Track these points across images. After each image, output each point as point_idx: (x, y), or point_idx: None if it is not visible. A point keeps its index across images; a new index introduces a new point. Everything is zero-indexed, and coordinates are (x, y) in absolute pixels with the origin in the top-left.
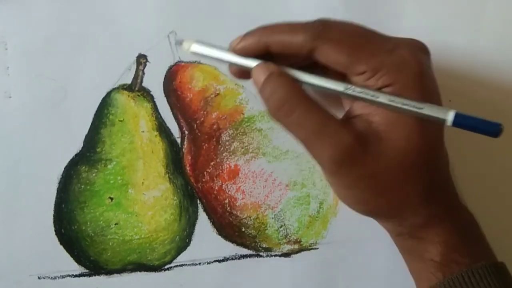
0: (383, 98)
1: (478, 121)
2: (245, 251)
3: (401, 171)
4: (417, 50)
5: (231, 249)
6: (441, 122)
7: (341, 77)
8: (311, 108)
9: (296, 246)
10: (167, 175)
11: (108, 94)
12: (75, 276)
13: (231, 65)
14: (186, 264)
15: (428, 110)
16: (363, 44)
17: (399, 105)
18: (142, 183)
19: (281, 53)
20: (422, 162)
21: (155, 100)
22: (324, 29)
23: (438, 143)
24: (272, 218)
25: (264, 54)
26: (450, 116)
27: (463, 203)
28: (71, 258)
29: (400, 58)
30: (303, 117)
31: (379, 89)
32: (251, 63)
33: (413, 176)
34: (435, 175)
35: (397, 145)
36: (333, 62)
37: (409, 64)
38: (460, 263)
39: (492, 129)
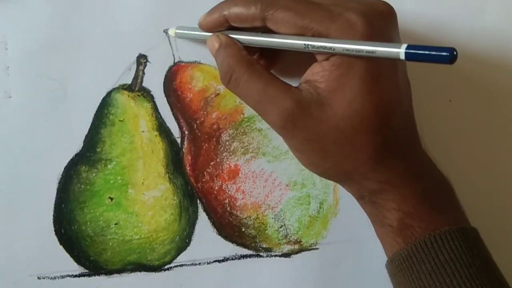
0: (338, 49)
1: (431, 49)
2: (245, 251)
3: (344, 135)
4: (371, 14)
5: (231, 249)
6: (395, 78)
7: None
8: (254, 76)
9: (296, 246)
10: (167, 175)
11: (108, 94)
12: (75, 276)
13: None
14: (186, 264)
15: (381, 51)
16: (310, 9)
17: (354, 53)
18: (142, 183)
19: (239, 25)
20: (368, 127)
21: (155, 100)
22: (270, 1)
23: (389, 105)
24: (272, 218)
25: (229, 27)
26: (402, 49)
27: (429, 165)
28: (71, 258)
29: (346, 22)
30: (248, 85)
31: (328, 58)
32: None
33: (359, 141)
34: (387, 139)
35: (339, 110)
36: (283, 31)
37: (354, 28)
38: (423, 228)
39: (446, 56)
